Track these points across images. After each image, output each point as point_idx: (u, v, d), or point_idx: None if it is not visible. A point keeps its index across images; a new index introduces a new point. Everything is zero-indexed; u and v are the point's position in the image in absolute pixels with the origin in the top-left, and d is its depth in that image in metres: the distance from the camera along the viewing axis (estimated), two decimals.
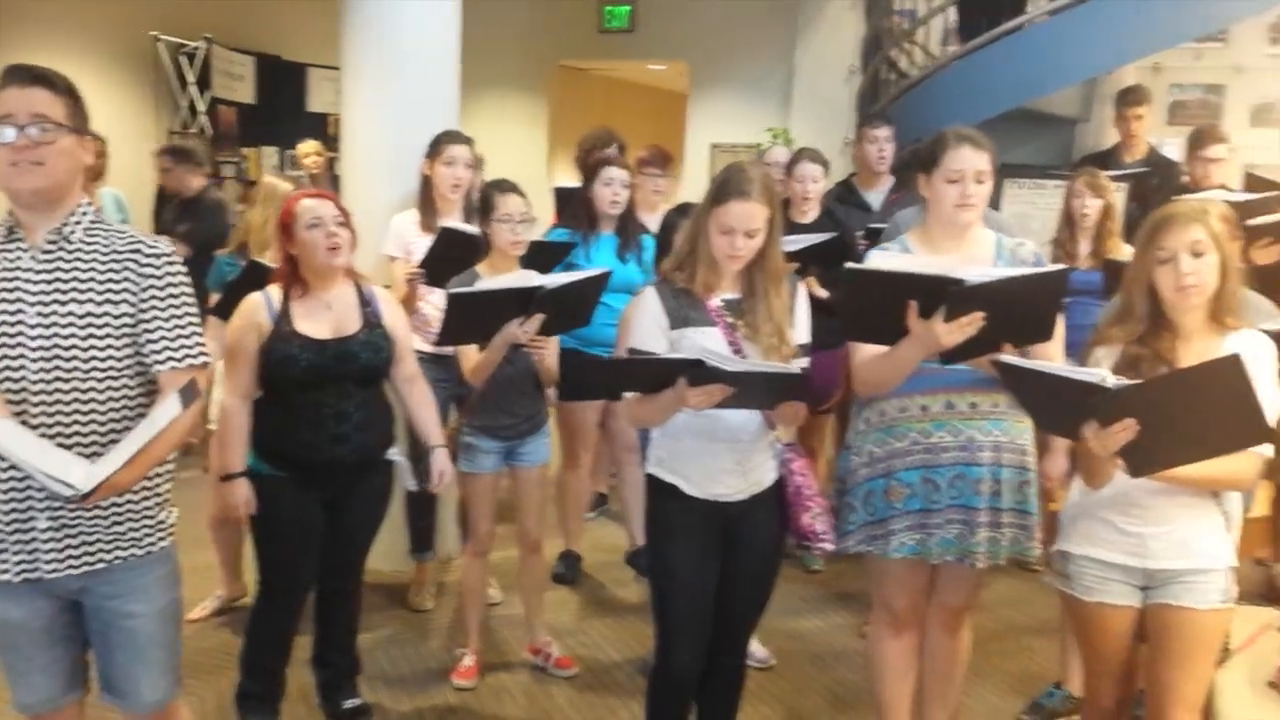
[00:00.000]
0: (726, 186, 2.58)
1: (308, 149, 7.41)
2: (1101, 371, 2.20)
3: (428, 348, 3.92)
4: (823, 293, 4.22)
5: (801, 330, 2.74)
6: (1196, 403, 2.12)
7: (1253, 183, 5.23)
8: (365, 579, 3.45)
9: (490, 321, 3.24)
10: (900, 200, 5.04)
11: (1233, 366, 2.04)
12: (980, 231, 2.80)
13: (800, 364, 2.63)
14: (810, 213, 4.68)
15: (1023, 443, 2.75)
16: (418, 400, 3.27)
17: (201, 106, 8.38)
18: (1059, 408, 2.30)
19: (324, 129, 8.56)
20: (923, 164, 2.77)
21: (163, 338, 2.19)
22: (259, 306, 3.05)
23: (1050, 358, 2.67)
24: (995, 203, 5.05)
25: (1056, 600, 3.02)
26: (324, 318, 3.06)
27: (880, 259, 2.67)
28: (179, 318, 2.21)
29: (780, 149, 5.77)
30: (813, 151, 4.81)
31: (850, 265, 2.54)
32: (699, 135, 8.97)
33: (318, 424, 3.01)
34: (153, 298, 2.18)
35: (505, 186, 3.52)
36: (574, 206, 4.52)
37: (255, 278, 3.37)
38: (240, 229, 4.32)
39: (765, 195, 2.57)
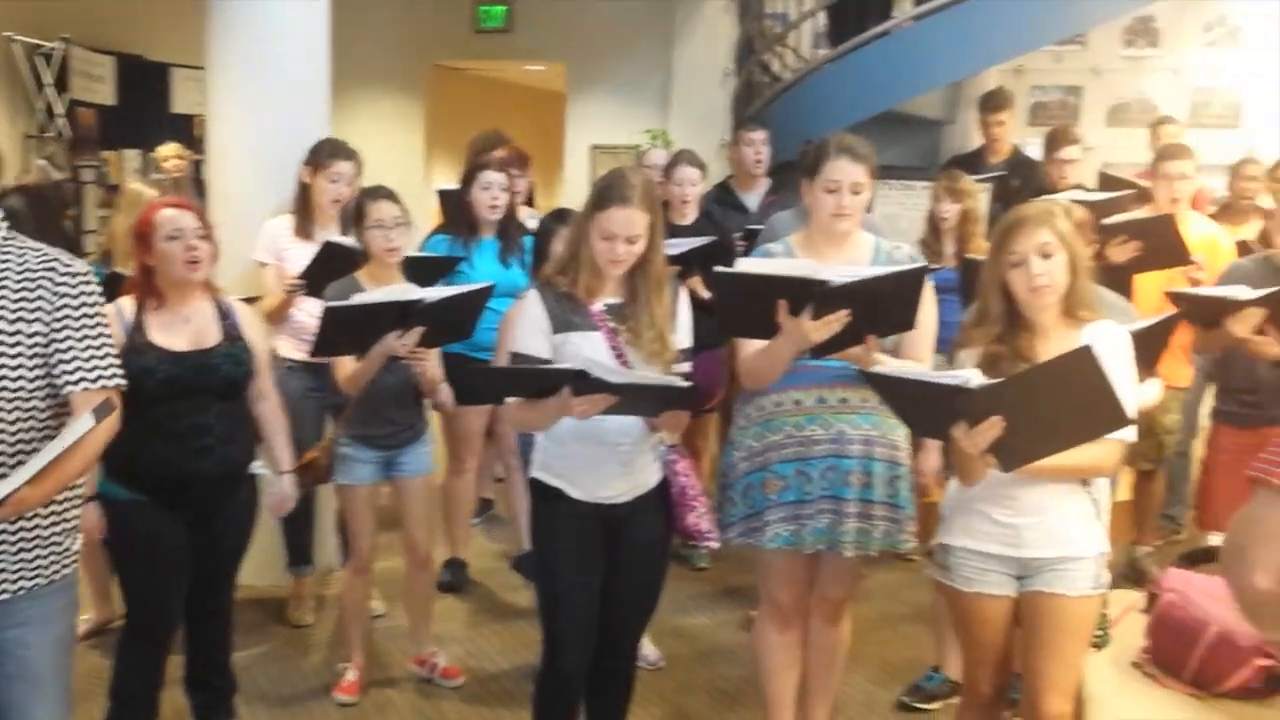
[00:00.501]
0: (608, 192, 2.59)
1: (169, 151, 7.16)
2: (965, 373, 2.27)
3: (301, 356, 3.84)
4: (705, 293, 4.26)
5: (684, 334, 2.77)
6: (1056, 396, 2.21)
7: (1106, 182, 5.46)
8: (240, 595, 3.35)
9: (367, 333, 3.19)
10: (776, 202, 5.13)
11: (1085, 358, 2.13)
12: (860, 235, 2.89)
13: (682, 368, 2.69)
14: (689, 215, 4.71)
15: (895, 437, 2.84)
16: (268, 420, 3.15)
17: (59, 109, 8.02)
18: (928, 411, 2.39)
19: (189, 131, 8.27)
20: (806, 170, 2.84)
21: (75, 358, 2.11)
22: (111, 319, 2.92)
23: (919, 356, 2.77)
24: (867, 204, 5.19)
25: (932, 588, 3.11)
26: (181, 330, 2.94)
27: (749, 263, 2.73)
28: (93, 338, 2.14)
29: (658, 151, 5.82)
30: (690, 154, 4.86)
31: (719, 269, 2.63)
32: (579, 137, 8.97)
33: (177, 438, 2.88)
34: (66, 317, 2.10)
35: (377, 193, 3.46)
36: (454, 211, 4.48)
37: (113, 290, 3.24)
38: (104, 237, 4.16)
39: (646, 201, 2.59)
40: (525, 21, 8.88)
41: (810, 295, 2.50)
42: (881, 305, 2.58)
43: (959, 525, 2.59)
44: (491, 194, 4.31)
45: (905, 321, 2.65)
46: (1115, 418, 2.22)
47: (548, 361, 2.60)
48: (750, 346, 2.79)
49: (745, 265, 2.71)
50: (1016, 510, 2.49)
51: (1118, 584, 3.01)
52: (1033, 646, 2.54)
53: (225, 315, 3.03)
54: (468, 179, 4.41)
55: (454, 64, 9.99)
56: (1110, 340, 2.43)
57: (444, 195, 5.38)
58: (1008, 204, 5.14)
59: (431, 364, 3.45)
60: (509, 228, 4.38)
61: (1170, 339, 3.47)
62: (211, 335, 2.98)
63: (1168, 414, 4.24)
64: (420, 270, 3.62)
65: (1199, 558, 3.09)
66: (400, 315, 3.17)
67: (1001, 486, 2.46)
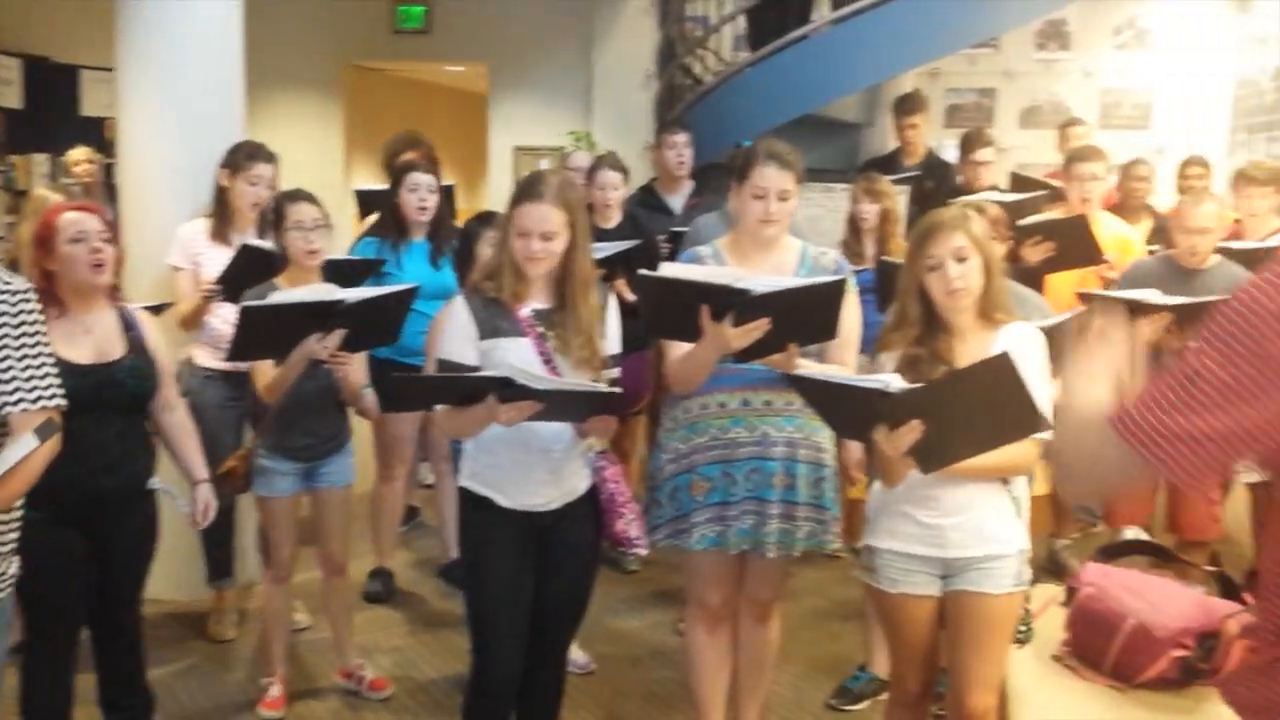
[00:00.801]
0: (522, 190, 2.63)
1: (78, 156, 6.96)
2: (885, 377, 2.31)
3: (219, 364, 3.76)
4: (631, 296, 4.26)
5: (613, 340, 2.77)
6: (974, 400, 2.25)
7: (1019, 182, 5.60)
8: (159, 610, 3.28)
9: (287, 336, 3.11)
10: (700, 205, 5.16)
11: (1003, 364, 2.17)
12: (787, 240, 2.92)
13: (611, 374, 2.69)
14: (613, 218, 4.72)
15: (818, 439, 2.87)
16: (177, 431, 3.05)
17: None
18: (850, 414, 2.43)
19: (100, 134, 8.05)
20: (735, 175, 2.86)
21: (14, 378, 2.05)
22: None
23: (843, 360, 2.81)
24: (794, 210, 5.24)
25: (859, 586, 3.14)
26: (84, 342, 2.82)
27: (673, 268, 2.74)
28: (33, 357, 2.09)
29: (581, 154, 5.79)
30: (612, 158, 4.85)
31: (643, 273, 2.65)
32: (501, 138, 8.92)
33: (77, 456, 2.68)
34: (5, 336, 2.05)
35: (296, 195, 3.40)
36: (371, 211, 4.43)
37: None
38: (10, 244, 4.03)
39: (560, 198, 2.59)
40: (444, 22, 8.81)
41: (732, 303, 2.53)
42: (803, 315, 2.62)
43: (883, 527, 2.62)
44: (419, 195, 4.27)
45: (827, 331, 2.69)
46: (1032, 421, 2.26)
47: (475, 368, 2.59)
48: (676, 351, 2.80)
49: (669, 270, 2.71)
50: (939, 511, 2.53)
51: (1038, 577, 3.07)
52: (957, 644, 2.59)
53: (129, 326, 2.93)
54: (395, 181, 4.36)
55: (372, 64, 9.87)
56: (1025, 341, 2.49)
57: (362, 195, 5.32)
58: (923, 205, 5.24)
59: (355, 369, 3.38)
60: (439, 230, 4.35)
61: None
62: (115, 347, 2.87)
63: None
64: (342, 273, 3.56)
65: (1116, 551, 3.17)
66: (321, 317, 3.09)
67: (923, 488, 2.50)
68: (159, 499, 3.05)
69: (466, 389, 2.52)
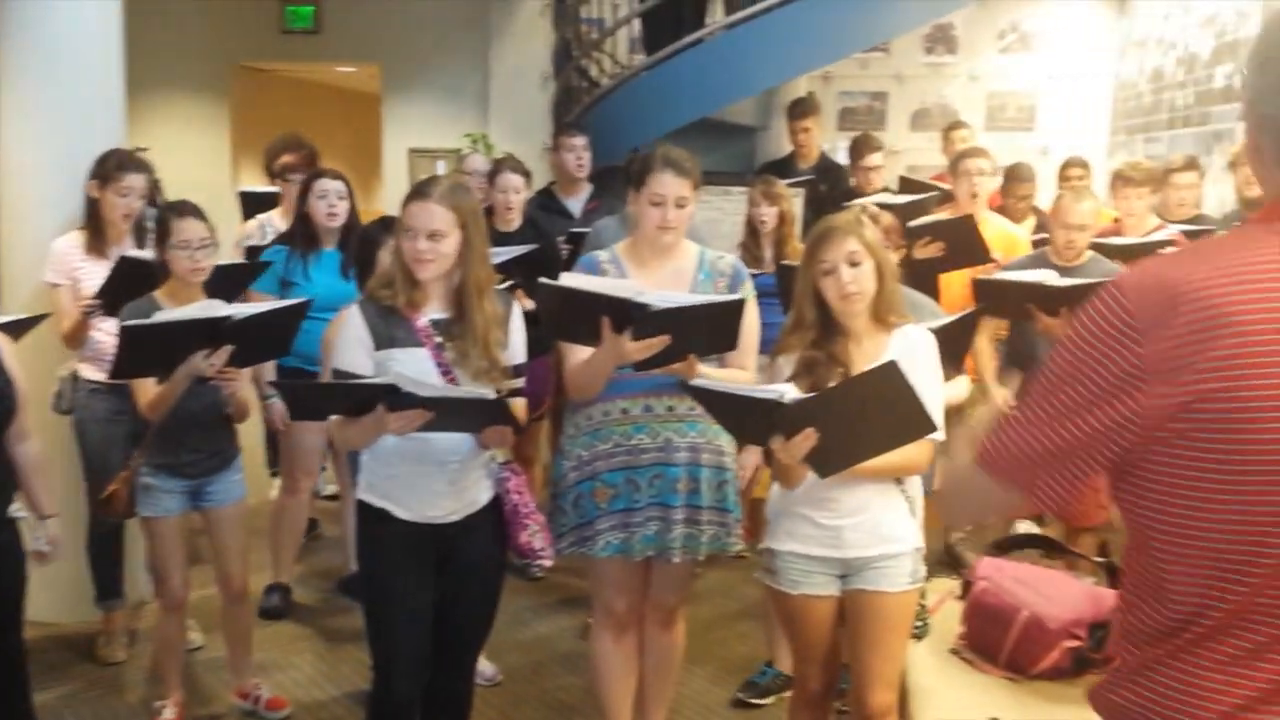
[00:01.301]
0: (411, 190, 2.60)
1: None
2: (780, 388, 2.35)
3: (104, 378, 3.62)
4: (529, 303, 4.23)
5: (516, 349, 2.73)
6: (865, 407, 2.31)
7: (906, 185, 5.72)
8: (44, 633, 3.14)
9: (172, 353, 3.00)
10: (599, 207, 5.15)
11: (890, 372, 2.22)
12: (685, 245, 2.93)
13: (514, 384, 2.66)
14: (514, 222, 4.68)
15: (720, 443, 2.89)
16: (27, 462, 2.86)
17: None
18: (747, 421, 2.47)
19: None
20: (631, 181, 2.86)
21: None
22: None
23: (743, 365, 2.83)
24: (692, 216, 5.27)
25: (762, 585, 3.17)
26: None
27: (573, 278, 2.73)
28: None
29: (478, 157, 5.75)
30: (514, 161, 4.82)
31: (543, 281, 2.64)
32: (396, 140, 8.79)
33: None
34: None
35: (183, 209, 3.25)
36: (292, 224, 4.32)
37: None
38: None
39: (449, 199, 2.56)
40: (334, 22, 8.64)
41: (633, 316, 2.53)
42: (702, 329, 2.64)
43: (783, 530, 2.65)
44: (328, 202, 4.17)
45: (727, 342, 2.71)
46: (923, 424, 2.31)
47: (369, 378, 2.53)
48: (575, 357, 2.80)
49: (569, 280, 2.70)
50: (836, 512, 2.57)
51: (935, 571, 3.14)
52: (857, 642, 2.63)
53: None
54: (303, 189, 4.25)
55: (260, 65, 9.64)
56: (917, 344, 2.54)
57: (246, 197, 5.19)
58: (818, 208, 5.33)
59: (243, 385, 3.29)
60: (350, 238, 4.25)
61: (974, 335, 3.64)
62: None
63: (975, 405, 4.44)
64: (227, 278, 3.45)
65: (1009, 545, 3.24)
66: (208, 333, 3.00)
67: (820, 490, 2.54)
68: (20, 526, 2.88)
69: (353, 397, 2.47)
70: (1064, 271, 3.84)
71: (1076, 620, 2.75)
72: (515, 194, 4.66)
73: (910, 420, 2.29)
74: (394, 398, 2.39)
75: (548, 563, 2.82)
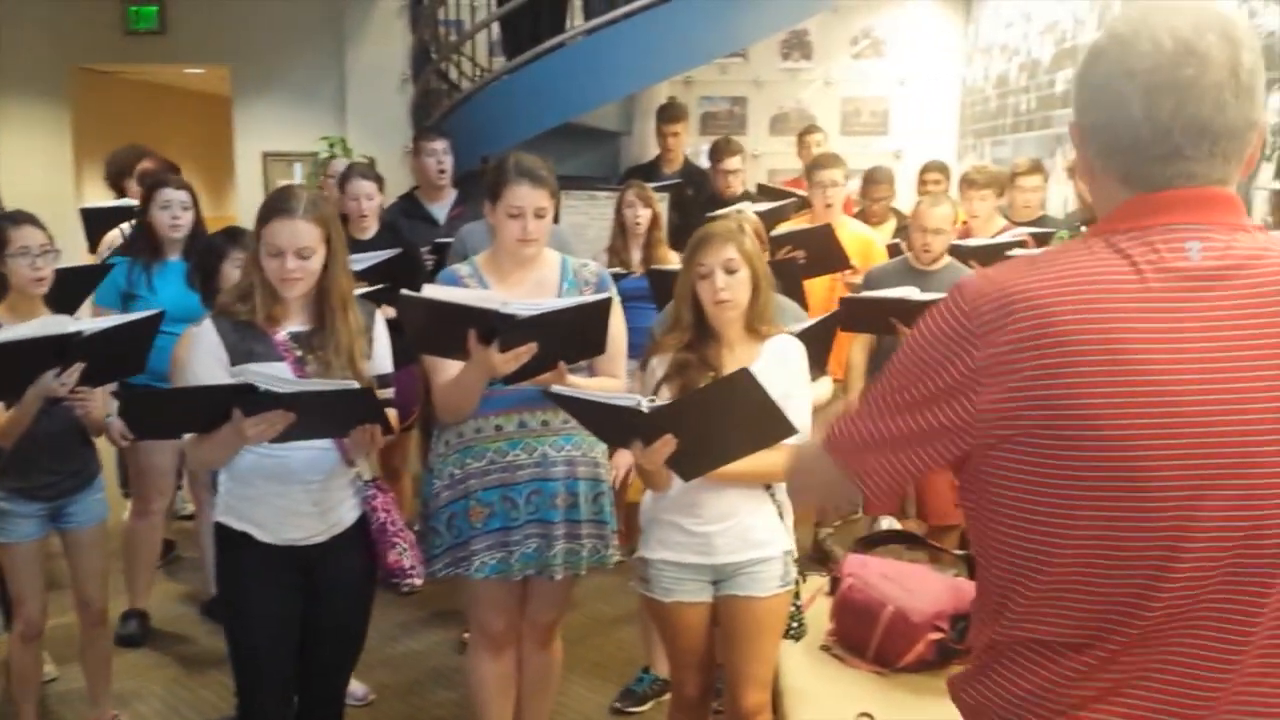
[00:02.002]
0: (270, 206, 2.50)
1: None
2: (636, 396, 2.37)
3: None
4: (390, 311, 4.15)
5: (381, 360, 2.68)
6: (722, 413, 2.35)
7: (763, 191, 5.83)
8: None
9: (19, 375, 2.83)
10: (464, 214, 5.09)
11: (745, 379, 2.25)
12: (547, 254, 2.89)
13: (385, 394, 2.60)
14: (369, 229, 4.57)
15: (596, 455, 2.88)
16: None
17: None
18: (611, 427, 2.49)
19: None
20: (487, 193, 2.81)
21: None
22: None
23: (613, 372, 2.83)
24: (554, 214, 5.25)
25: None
26: None
27: (435, 290, 2.67)
28: None
29: (342, 161, 5.61)
30: (363, 166, 4.73)
31: (404, 293, 2.58)
32: (249, 143, 8.53)
33: None
34: None
35: (19, 218, 3.10)
36: (134, 234, 4.14)
37: None
38: None
39: (314, 213, 2.48)
40: (181, 22, 8.34)
41: (498, 327, 2.50)
42: (570, 334, 2.62)
43: (655, 538, 2.67)
44: (172, 213, 4.02)
45: (595, 347, 2.70)
46: (782, 429, 2.35)
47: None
48: (442, 375, 2.74)
49: (432, 292, 2.64)
50: (705, 519, 2.59)
51: (804, 566, 3.20)
52: (730, 646, 2.66)
53: None
54: (145, 198, 4.09)
55: (103, 67, 9.24)
56: (789, 353, 2.59)
57: (87, 214, 4.93)
58: (683, 212, 5.39)
59: (97, 403, 3.14)
60: (196, 248, 4.09)
61: (834, 337, 3.73)
62: None
63: (837, 404, 4.55)
64: (67, 285, 3.28)
65: (874, 541, 3.33)
66: (57, 351, 2.85)
67: (689, 497, 2.57)
68: None
69: (207, 404, 2.36)
70: (924, 277, 3.97)
71: (939, 613, 2.85)
72: (367, 200, 4.54)
73: (769, 425, 2.33)
74: (253, 400, 2.29)
75: (418, 581, 2.76)
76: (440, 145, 5.14)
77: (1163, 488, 1.17)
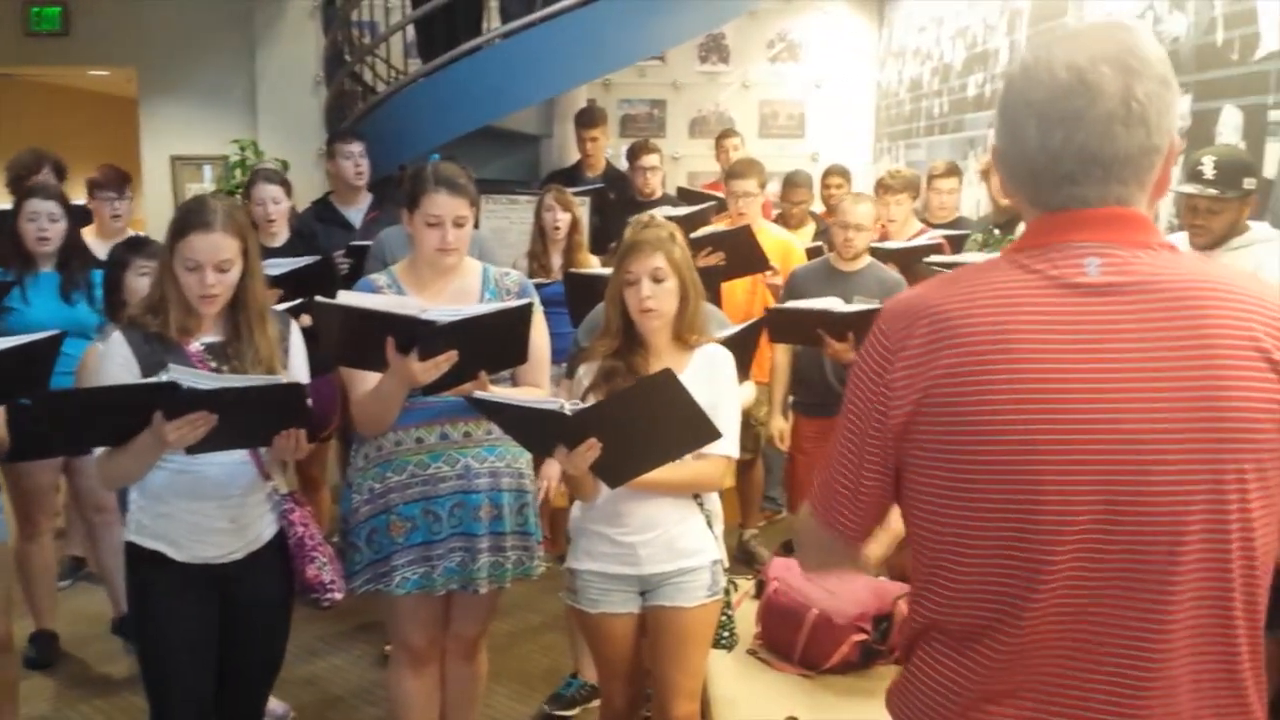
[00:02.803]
0: (187, 219, 2.42)
1: None
2: (560, 400, 2.35)
3: None
4: (306, 320, 4.07)
5: (298, 370, 2.62)
6: (646, 416, 2.33)
7: (684, 195, 5.85)
8: None
9: None
10: (381, 217, 5.02)
11: (666, 380, 2.25)
12: (468, 263, 2.84)
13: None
14: (279, 235, 4.48)
15: (519, 465, 2.84)
16: None
17: None
18: (535, 433, 2.46)
19: None
20: (405, 202, 2.77)
21: None
22: None
23: (536, 381, 2.80)
24: (474, 219, 5.20)
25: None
26: None
27: (351, 297, 2.62)
28: None
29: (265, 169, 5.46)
30: (269, 171, 4.63)
31: (320, 300, 2.52)
32: (156, 147, 8.29)
33: None
34: None
35: None
36: (2, 242, 3.99)
37: None
38: None
39: (232, 225, 2.42)
40: (84, 23, 8.08)
41: (418, 335, 2.45)
42: (491, 342, 2.57)
43: (582, 549, 2.65)
44: (38, 225, 3.87)
45: (517, 355, 2.66)
46: (706, 431, 2.36)
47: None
48: (360, 388, 2.68)
49: (348, 300, 2.58)
50: (631, 529, 2.57)
51: (731, 568, 3.21)
52: (658, 657, 2.65)
53: None
54: (14, 208, 3.94)
55: (4, 70, 8.92)
56: (718, 362, 2.59)
57: None
58: (605, 216, 5.38)
59: None
60: (72, 260, 3.95)
61: (759, 343, 3.75)
62: None
63: (760, 407, 4.59)
64: None
65: None
66: None
67: (615, 506, 2.55)
68: None
69: (123, 407, 2.27)
70: (845, 277, 4.01)
71: (862, 614, 2.88)
72: (274, 205, 4.45)
73: (693, 428, 2.33)
74: (173, 400, 2.20)
75: (338, 596, 2.70)
76: (356, 148, 5.07)
77: (1051, 485, 1.21)
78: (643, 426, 2.35)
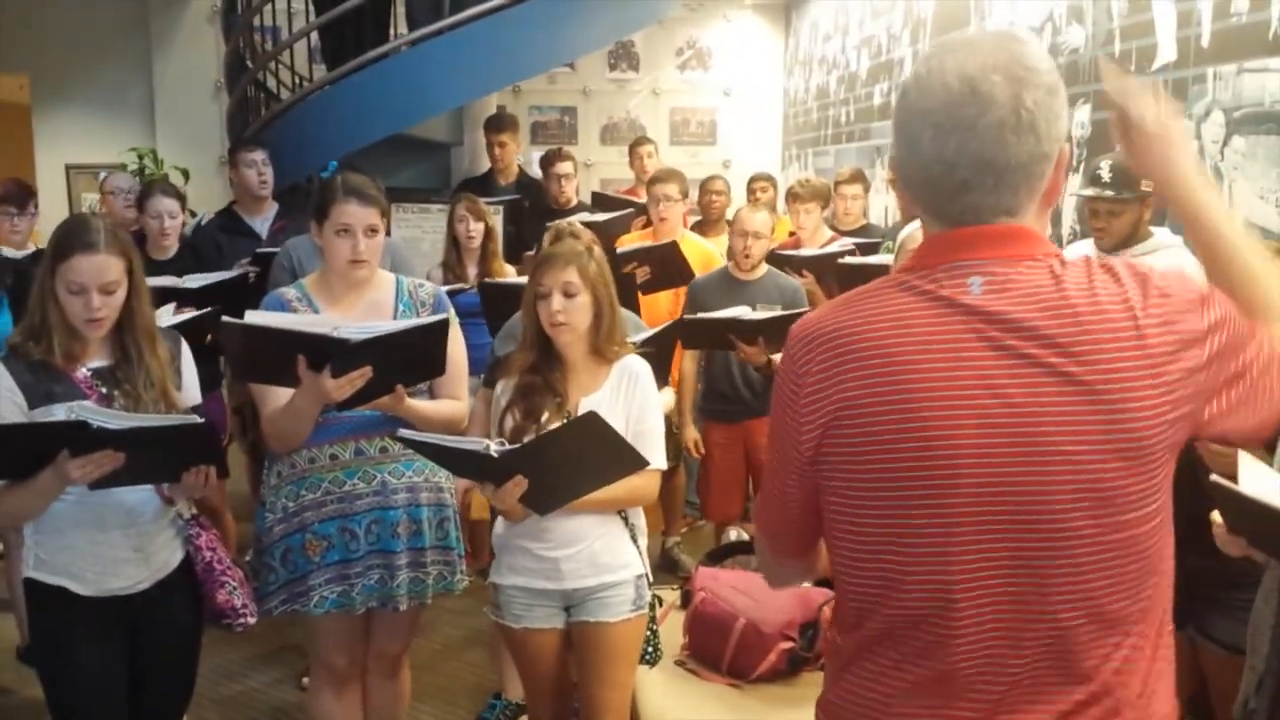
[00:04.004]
0: (68, 239, 2.31)
1: None
2: (485, 440, 2.33)
3: None
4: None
5: (190, 390, 2.53)
6: (573, 454, 2.34)
7: (598, 200, 5.84)
8: None
9: None
10: (288, 227, 4.91)
11: (591, 422, 2.26)
12: (381, 275, 2.79)
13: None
14: (170, 249, 4.35)
15: (437, 479, 2.79)
16: None
17: None
18: (465, 466, 2.47)
19: None
20: (315, 213, 2.70)
21: None
22: None
23: (455, 394, 2.76)
24: (386, 228, 5.11)
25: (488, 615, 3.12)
26: None
27: (261, 316, 2.54)
28: None
29: (124, 175, 5.30)
30: (164, 184, 4.51)
31: (226, 320, 2.46)
32: (51, 156, 8.02)
33: None
34: None
35: None
36: None
37: None
38: None
39: (116, 245, 2.33)
40: None
41: (330, 352, 2.40)
42: (406, 357, 2.53)
43: (505, 563, 2.62)
44: None
45: (434, 368, 2.62)
46: (633, 461, 2.36)
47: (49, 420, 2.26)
48: (271, 405, 2.60)
49: (255, 319, 2.50)
50: (554, 544, 2.54)
51: (656, 576, 3.20)
52: (584, 673, 2.62)
53: None
54: None
55: None
56: (638, 375, 2.57)
57: None
58: (519, 224, 5.35)
59: None
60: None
61: (674, 349, 3.77)
62: None
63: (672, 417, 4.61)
64: None
65: (722, 554, 3.37)
66: None
67: (538, 521, 2.52)
68: None
69: (26, 446, 2.17)
70: (744, 286, 4.06)
71: (789, 622, 2.90)
72: (170, 219, 4.35)
73: (618, 459, 2.34)
74: (81, 439, 2.12)
75: (251, 620, 2.61)
76: (259, 156, 4.95)
77: (941, 500, 1.25)
78: (570, 463, 2.35)
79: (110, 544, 2.38)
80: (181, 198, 4.47)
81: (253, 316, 2.52)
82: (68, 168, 8.00)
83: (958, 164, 1.26)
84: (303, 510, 2.67)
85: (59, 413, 2.28)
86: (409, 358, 2.55)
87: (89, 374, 2.36)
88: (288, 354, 2.42)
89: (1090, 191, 3.19)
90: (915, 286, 1.30)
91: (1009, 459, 1.24)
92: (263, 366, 2.55)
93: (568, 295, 2.51)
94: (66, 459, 2.14)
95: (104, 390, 2.36)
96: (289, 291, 2.74)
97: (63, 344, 2.32)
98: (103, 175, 7.82)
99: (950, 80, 1.25)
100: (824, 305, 1.42)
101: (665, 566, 4.79)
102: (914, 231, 2.91)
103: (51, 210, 7.91)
